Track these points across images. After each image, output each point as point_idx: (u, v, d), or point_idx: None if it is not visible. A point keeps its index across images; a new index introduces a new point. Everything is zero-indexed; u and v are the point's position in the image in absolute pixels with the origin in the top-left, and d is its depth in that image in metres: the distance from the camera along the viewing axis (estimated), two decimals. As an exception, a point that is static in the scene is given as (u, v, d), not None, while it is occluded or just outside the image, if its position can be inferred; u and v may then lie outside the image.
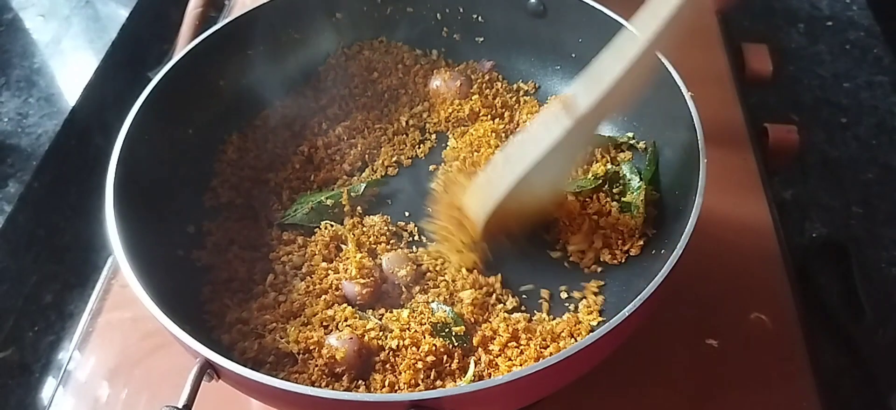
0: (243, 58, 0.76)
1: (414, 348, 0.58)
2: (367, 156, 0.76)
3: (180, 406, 0.47)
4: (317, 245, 0.67)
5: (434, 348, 0.57)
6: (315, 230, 0.69)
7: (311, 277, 0.65)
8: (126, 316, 0.72)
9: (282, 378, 0.49)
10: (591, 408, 0.63)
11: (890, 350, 0.73)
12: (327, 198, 0.71)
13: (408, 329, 0.59)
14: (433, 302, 0.62)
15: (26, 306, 0.80)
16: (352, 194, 0.71)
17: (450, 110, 0.79)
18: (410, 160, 0.77)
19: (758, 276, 0.72)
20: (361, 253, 0.66)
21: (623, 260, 0.66)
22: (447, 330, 0.59)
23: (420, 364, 0.57)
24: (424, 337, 0.58)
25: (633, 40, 0.52)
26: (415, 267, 0.65)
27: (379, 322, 0.61)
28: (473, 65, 0.82)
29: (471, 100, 0.79)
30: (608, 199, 0.69)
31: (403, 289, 0.64)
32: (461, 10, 0.83)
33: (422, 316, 0.61)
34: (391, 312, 0.62)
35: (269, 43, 0.78)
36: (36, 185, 0.88)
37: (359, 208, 0.71)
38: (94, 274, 0.80)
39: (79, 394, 0.67)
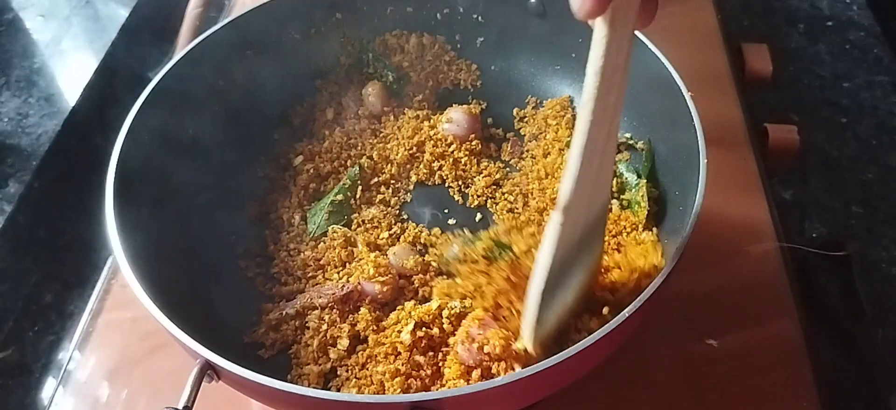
0: (243, 58, 0.76)
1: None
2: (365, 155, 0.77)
3: (180, 408, 0.47)
4: (334, 251, 0.67)
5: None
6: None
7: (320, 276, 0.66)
8: (126, 316, 0.72)
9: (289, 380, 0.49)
10: (590, 408, 0.63)
11: (890, 350, 0.73)
12: (336, 195, 0.71)
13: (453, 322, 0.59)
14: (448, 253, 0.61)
15: (26, 306, 0.80)
16: (355, 180, 0.72)
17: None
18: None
19: (758, 276, 0.72)
20: (375, 252, 0.66)
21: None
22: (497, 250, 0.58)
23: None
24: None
25: (580, 118, 0.48)
26: (420, 256, 0.66)
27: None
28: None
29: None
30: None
31: (416, 280, 0.65)
32: (461, 10, 0.83)
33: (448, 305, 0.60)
34: (420, 307, 0.62)
35: (269, 43, 0.78)
36: (36, 185, 0.87)
37: (360, 193, 0.73)
38: (94, 274, 0.79)
39: (79, 394, 0.67)
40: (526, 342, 0.55)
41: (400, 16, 0.83)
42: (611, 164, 0.54)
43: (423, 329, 0.59)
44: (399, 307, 0.63)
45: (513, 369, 0.56)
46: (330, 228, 0.69)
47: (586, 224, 0.54)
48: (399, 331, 0.60)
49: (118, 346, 0.70)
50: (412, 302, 0.64)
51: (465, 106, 0.79)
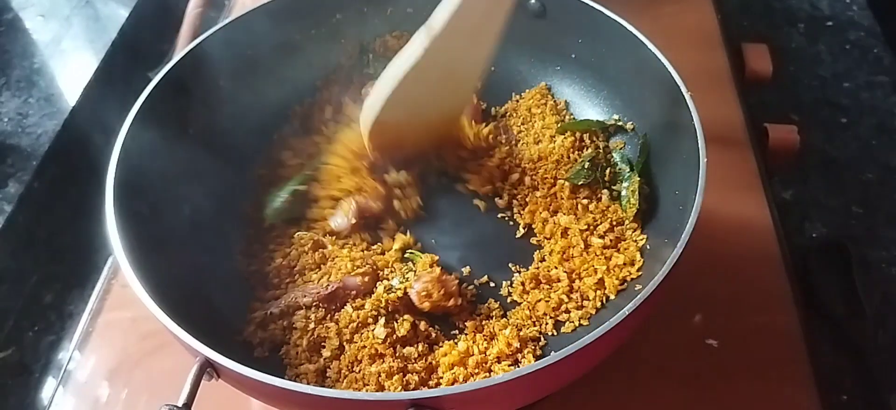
0: (244, 58, 0.76)
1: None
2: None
3: (180, 405, 0.47)
4: (307, 256, 0.67)
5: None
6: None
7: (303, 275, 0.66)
8: (126, 316, 0.72)
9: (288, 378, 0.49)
10: (590, 408, 0.63)
11: (890, 350, 0.73)
12: (299, 184, 0.72)
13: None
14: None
15: (26, 306, 0.80)
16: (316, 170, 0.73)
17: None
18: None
19: (758, 276, 0.72)
20: (347, 247, 0.67)
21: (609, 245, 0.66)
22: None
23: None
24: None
25: None
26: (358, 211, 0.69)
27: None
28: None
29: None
30: (599, 185, 0.70)
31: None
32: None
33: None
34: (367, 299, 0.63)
35: (270, 44, 0.78)
36: (36, 185, 0.87)
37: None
38: (94, 274, 0.80)
39: (79, 394, 0.67)
40: (362, 126, 0.69)
41: (400, 17, 0.83)
42: (489, 46, 0.65)
43: (393, 322, 0.61)
44: (350, 303, 0.63)
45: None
46: (297, 235, 0.69)
47: (450, 71, 0.66)
48: (373, 330, 0.60)
49: (118, 346, 0.70)
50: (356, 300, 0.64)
51: None
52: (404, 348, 0.59)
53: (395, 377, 0.57)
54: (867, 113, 0.98)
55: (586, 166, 0.71)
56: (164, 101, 0.67)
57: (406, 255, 0.67)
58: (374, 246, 0.69)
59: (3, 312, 0.78)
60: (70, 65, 1.04)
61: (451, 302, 0.62)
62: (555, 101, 0.80)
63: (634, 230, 0.67)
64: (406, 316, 0.61)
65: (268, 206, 0.71)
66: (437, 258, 0.66)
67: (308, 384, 0.57)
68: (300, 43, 0.81)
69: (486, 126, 0.77)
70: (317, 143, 0.76)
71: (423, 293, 0.61)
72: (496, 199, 0.72)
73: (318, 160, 0.74)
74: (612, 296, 0.63)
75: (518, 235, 0.70)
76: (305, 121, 0.80)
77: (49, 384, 0.74)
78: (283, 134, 0.79)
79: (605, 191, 0.70)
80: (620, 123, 0.75)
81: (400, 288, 0.63)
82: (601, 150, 0.74)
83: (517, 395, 0.52)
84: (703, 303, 0.69)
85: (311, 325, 0.61)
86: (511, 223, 0.71)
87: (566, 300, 0.63)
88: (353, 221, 0.68)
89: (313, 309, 0.62)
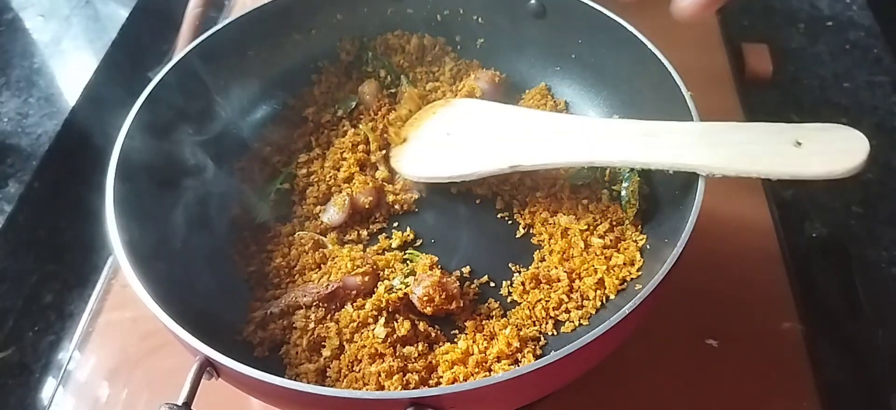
0: (243, 58, 0.76)
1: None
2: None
3: (180, 404, 0.47)
4: (307, 255, 0.67)
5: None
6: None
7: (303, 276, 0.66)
8: (126, 316, 0.72)
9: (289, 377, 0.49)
10: (590, 408, 0.63)
11: (890, 350, 0.73)
12: (282, 183, 0.72)
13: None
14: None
15: (26, 306, 0.80)
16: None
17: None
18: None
19: (758, 276, 0.72)
20: (347, 246, 0.67)
21: (609, 245, 0.66)
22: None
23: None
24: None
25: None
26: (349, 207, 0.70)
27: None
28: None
29: None
30: (599, 185, 0.70)
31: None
32: (461, 11, 0.83)
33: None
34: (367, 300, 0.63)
35: (270, 44, 0.78)
36: (36, 185, 0.87)
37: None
38: (94, 274, 0.80)
39: (79, 394, 0.67)
40: (398, 164, 0.74)
41: (401, 17, 0.84)
42: None
43: (393, 322, 0.61)
44: (350, 303, 0.63)
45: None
46: (297, 235, 0.69)
47: None
48: (373, 329, 0.60)
49: (118, 346, 0.70)
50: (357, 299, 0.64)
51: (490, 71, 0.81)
52: (404, 347, 0.59)
53: (395, 376, 0.57)
54: (867, 113, 0.98)
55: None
56: (164, 101, 0.67)
57: (405, 256, 0.67)
58: (374, 246, 0.69)
59: (3, 312, 0.79)
60: (70, 65, 1.04)
61: (454, 305, 0.62)
62: (555, 101, 0.80)
63: (634, 230, 0.67)
64: (406, 316, 0.61)
65: (254, 206, 0.71)
66: (436, 259, 0.66)
67: (308, 383, 0.57)
68: (300, 42, 0.81)
69: None
70: (304, 140, 0.77)
71: (425, 298, 0.61)
72: (497, 199, 0.72)
73: (304, 156, 0.75)
74: (612, 296, 0.63)
75: (518, 235, 0.70)
76: (304, 120, 0.79)
77: (49, 384, 0.74)
78: (272, 131, 0.78)
79: (605, 191, 0.70)
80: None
81: (400, 289, 0.62)
82: None
83: (517, 394, 0.52)
84: (703, 303, 0.69)
85: (311, 325, 0.61)
86: (511, 223, 0.71)
87: (566, 300, 0.63)
88: (346, 215, 0.69)
89: (313, 308, 0.62)
